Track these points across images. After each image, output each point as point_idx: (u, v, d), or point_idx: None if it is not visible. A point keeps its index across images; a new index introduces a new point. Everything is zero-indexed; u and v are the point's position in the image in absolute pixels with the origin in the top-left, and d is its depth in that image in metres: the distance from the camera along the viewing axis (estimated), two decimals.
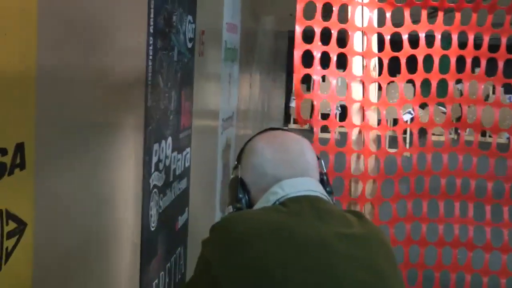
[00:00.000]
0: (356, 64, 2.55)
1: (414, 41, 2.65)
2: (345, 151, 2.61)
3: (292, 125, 15.58)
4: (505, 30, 2.67)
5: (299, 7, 2.39)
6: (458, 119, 2.75)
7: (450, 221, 2.75)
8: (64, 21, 1.81)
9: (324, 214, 1.45)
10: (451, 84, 2.68)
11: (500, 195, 2.83)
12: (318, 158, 1.62)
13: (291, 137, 1.64)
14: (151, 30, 2.74)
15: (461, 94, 2.70)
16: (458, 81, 2.69)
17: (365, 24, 2.54)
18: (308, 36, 2.51)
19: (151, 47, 2.75)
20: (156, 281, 3.10)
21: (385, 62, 2.60)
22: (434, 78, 2.66)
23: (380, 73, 2.52)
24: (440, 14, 2.63)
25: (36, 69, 1.58)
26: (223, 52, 4.91)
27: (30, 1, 1.55)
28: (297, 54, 2.39)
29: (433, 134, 2.71)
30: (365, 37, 2.56)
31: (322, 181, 1.59)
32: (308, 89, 15.65)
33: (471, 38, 2.68)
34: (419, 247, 2.76)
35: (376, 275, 1.39)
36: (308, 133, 11.54)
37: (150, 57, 2.75)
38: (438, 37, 2.65)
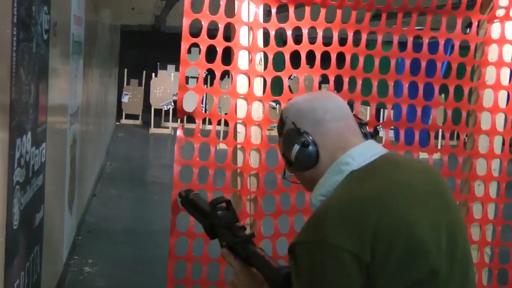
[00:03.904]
0: (242, 58, 2.63)
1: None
2: (227, 144, 2.68)
3: (124, 121, 15.36)
4: (381, 29, 2.91)
5: (187, 0, 2.42)
6: None
7: None
8: None
9: (400, 163, 1.66)
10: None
11: None
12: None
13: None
14: (15, 20, 2.63)
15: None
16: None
17: (251, 19, 2.62)
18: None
19: (15, 38, 2.64)
20: (17, 282, 2.98)
21: (270, 57, 2.70)
22: (316, 73, 2.81)
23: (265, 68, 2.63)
24: (323, 11, 2.78)
25: None
26: (71, 45, 4.78)
27: None
28: (184, 47, 2.42)
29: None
30: (251, 32, 2.65)
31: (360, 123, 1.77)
32: (140, 84, 15.53)
33: (350, 35, 2.87)
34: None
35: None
36: (140, 128, 11.27)
37: (14, 48, 2.64)
38: (320, 33, 2.79)
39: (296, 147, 1.65)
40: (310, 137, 1.65)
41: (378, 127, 4.27)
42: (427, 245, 1.52)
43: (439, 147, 3.49)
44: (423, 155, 3.03)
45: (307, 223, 1.57)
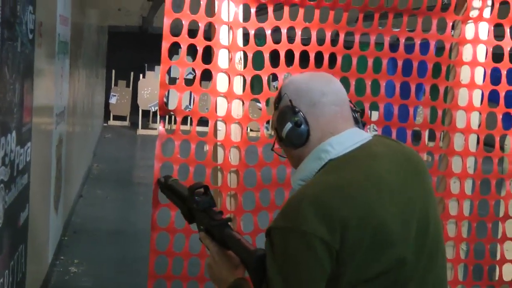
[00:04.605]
0: (222, 57, 2.69)
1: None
2: (206, 141, 2.74)
3: (111, 122, 15.38)
4: (358, 29, 2.97)
5: (168, 0, 2.48)
6: None
7: None
8: None
9: (377, 155, 1.68)
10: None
11: None
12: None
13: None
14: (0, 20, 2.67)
15: None
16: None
17: (231, 19, 2.68)
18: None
19: None
20: (1, 280, 3.02)
21: (250, 56, 2.76)
22: (295, 72, 2.85)
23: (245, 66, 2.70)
24: (301, 11, 2.83)
25: None
26: (56, 45, 4.82)
27: None
28: (165, 46, 2.48)
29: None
30: (231, 31, 2.71)
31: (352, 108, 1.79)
32: (128, 85, 15.55)
33: (328, 35, 2.93)
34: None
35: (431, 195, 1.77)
36: (128, 130, 11.26)
37: None
38: (298, 33, 2.86)
39: (289, 125, 1.70)
40: (304, 117, 1.69)
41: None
42: (395, 236, 1.57)
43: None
44: None
45: (283, 209, 1.64)
